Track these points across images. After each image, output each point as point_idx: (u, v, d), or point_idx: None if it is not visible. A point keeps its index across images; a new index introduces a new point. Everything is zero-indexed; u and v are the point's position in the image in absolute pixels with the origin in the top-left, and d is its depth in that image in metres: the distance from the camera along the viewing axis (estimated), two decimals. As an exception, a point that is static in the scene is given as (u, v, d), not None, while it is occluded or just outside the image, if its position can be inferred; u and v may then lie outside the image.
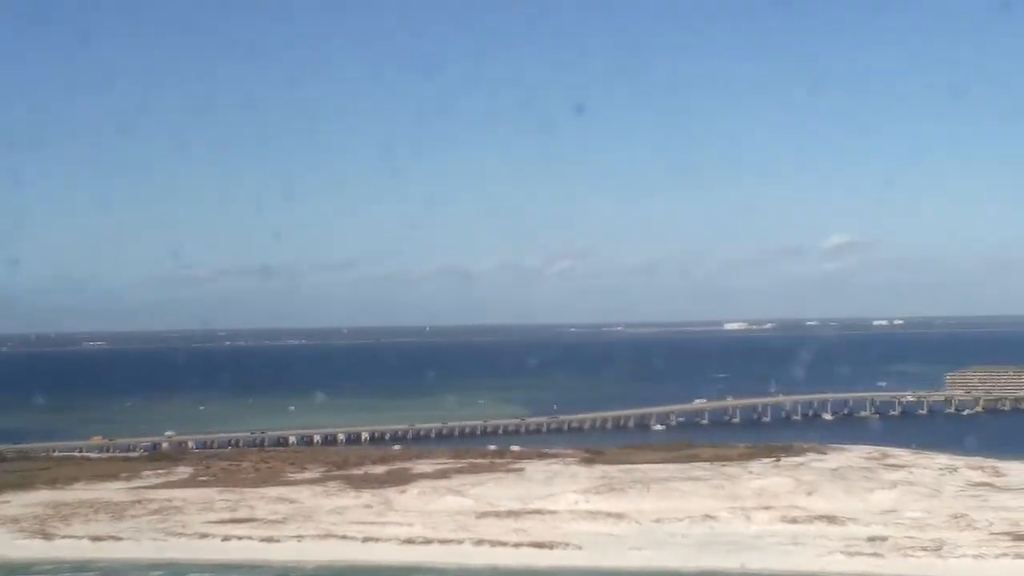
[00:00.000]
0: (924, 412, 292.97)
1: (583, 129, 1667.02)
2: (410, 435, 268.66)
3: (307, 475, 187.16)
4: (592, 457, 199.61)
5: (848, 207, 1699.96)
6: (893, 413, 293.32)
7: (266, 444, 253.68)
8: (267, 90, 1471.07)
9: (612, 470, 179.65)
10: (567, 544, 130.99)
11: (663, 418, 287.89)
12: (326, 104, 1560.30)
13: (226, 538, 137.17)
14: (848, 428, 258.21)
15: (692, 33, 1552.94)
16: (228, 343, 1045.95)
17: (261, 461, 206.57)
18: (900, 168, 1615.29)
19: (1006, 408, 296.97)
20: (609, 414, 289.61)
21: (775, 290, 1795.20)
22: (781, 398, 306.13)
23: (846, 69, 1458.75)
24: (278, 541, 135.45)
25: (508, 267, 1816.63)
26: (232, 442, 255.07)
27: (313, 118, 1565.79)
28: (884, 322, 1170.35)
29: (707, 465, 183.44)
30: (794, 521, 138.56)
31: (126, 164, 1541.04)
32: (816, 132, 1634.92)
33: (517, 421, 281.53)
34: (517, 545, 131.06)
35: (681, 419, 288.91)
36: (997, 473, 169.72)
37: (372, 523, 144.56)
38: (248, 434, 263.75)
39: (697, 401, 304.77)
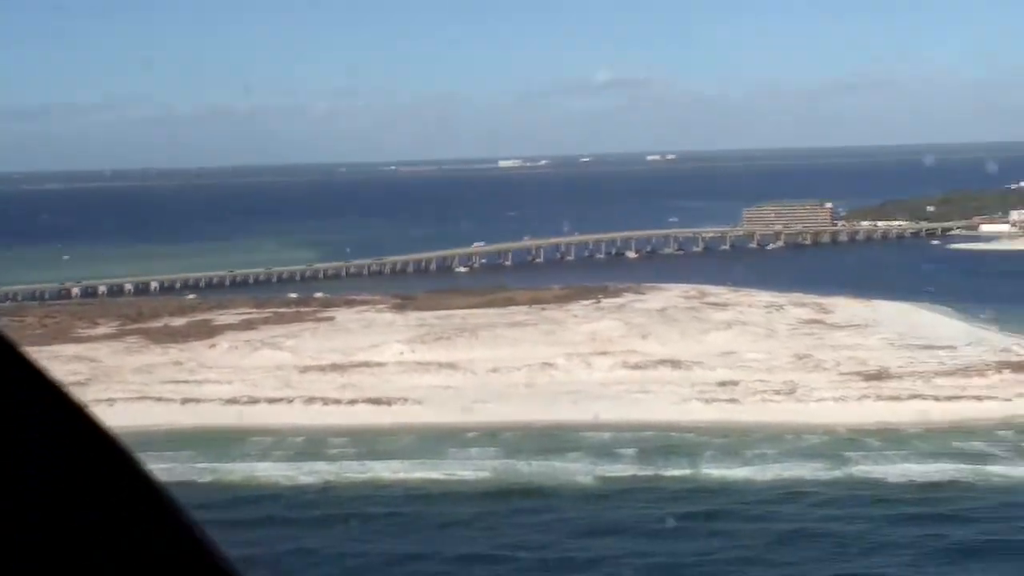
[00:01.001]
0: (727, 248, 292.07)
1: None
2: (202, 283, 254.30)
3: (101, 330, 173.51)
4: (403, 303, 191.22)
5: (619, 42, 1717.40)
6: (696, 250, 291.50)
7: (47, 297, 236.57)
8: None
9: (428, 317, 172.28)
10: (405, 399, 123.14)
11: (465, 260, 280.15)
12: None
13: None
14: (654, 266, 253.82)
15: None
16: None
17: (46, 316, 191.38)
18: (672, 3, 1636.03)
19: (807, 242, 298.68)
20: (411, 257, 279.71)
21: (548, 127, 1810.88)
22: (582, 237, 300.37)
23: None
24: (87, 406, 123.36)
25: (270, 106, 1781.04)
26: (10, 296, 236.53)
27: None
28: (657, 157, 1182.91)
29: (526, 309, 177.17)
30: (637, 367, 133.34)
31: None
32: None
33: (341, 264, 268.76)
34: (352, 402, 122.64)
35: (484, 261, 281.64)
36: (823, 310, 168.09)
37: (186, 382, 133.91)
38: (26, 287, 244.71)
39: (475, 244, 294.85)
